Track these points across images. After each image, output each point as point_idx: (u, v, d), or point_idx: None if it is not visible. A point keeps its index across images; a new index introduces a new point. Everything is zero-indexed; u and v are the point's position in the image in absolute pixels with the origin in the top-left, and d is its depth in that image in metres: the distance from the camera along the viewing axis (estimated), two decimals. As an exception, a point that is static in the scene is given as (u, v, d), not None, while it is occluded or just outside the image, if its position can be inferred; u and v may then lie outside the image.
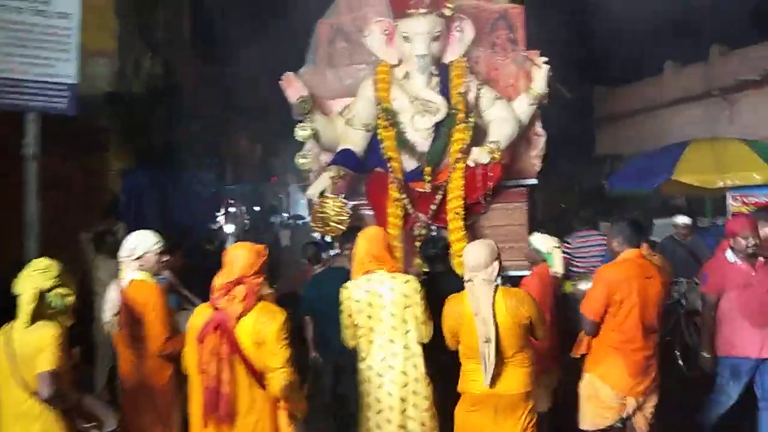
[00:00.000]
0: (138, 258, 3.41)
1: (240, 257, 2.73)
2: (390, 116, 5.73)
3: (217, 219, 10.13)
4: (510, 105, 6.01)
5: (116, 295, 3.29)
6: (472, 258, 3.20)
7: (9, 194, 4.67)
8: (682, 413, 4.87)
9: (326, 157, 6.19)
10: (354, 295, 3.35)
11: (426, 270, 4.35)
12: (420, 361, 3.34)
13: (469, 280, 3.17)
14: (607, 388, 3.42)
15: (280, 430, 2.71)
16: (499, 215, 6.01)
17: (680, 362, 5.80)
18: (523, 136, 6.29)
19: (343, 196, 5.67)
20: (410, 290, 3.34)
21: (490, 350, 3.00)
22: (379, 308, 3.30)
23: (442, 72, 5.90)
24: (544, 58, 5.96)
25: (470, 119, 5.79)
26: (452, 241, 5.53)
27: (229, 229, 10.42)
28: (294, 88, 5.87)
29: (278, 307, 2.76)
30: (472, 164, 5.56)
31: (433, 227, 5.78)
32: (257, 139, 5.90)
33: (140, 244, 3.45)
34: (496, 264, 3.22)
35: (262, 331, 2.67)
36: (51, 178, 7.56)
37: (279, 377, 2.63)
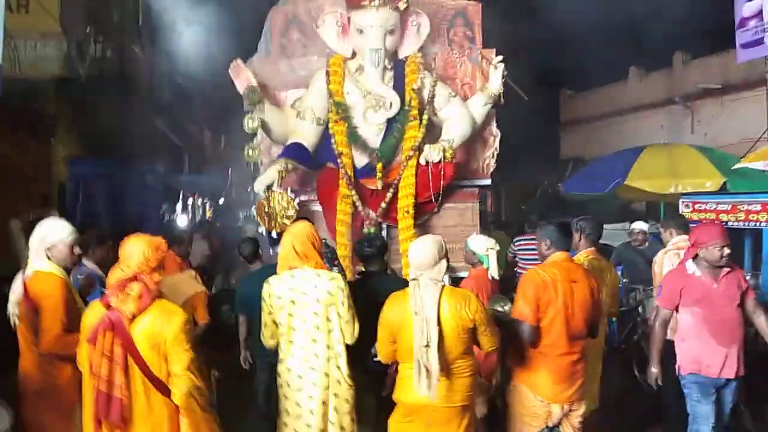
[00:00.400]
0: (48, 248, 3.19)
1: (136, 251, 2.53)
2: (342, 110, 5.57)
3: (174, 211, 9.85)
4: (465, 103, 5.90)
5: (19, 286, 3.07)
6: (418, 255, 3.04)
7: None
8: (636, 423, 4.85)
9: (277, 150, 6.00)
10: (275, 291, 3.17)
11: (362, 269, 4.21)
12: (343, 363, 3.18)
13: (414, 279, 3.01)
14: (532, 395, 3.29)
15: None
16: (451, 215, 5.92)
17: (636, 372, 5.77)
18: (477, 136, 6.20)
19: (290, 190, 5.48)
20: (334, 288, 3.18)
21: (430, 356, 2.84)
22: (302, 306, 3.14)
23: (396, 67, 5.77)
24: (500, 57, 5.87)
25: (424, 116, 5.67)
26: (401, 240, 5.42)
27: (183, 222, 10.13)
28: (242, 77, 5.66)
29: (177, 307, 2.57)
30: (423, 162, 5.44)
31: (383, 225, 5.68)
32: (218, 129, 5.65)
33: (51, 234, 3.22)
34: (443, 263, 3.06)
35: (160, 332, 2.48)
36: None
37: (179, 384, 2.46)
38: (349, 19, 5.66)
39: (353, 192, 5.46)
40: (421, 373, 2.85)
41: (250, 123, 5.71)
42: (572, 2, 11.99)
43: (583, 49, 12.83)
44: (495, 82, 5.86)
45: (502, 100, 5.96)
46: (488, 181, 6.35)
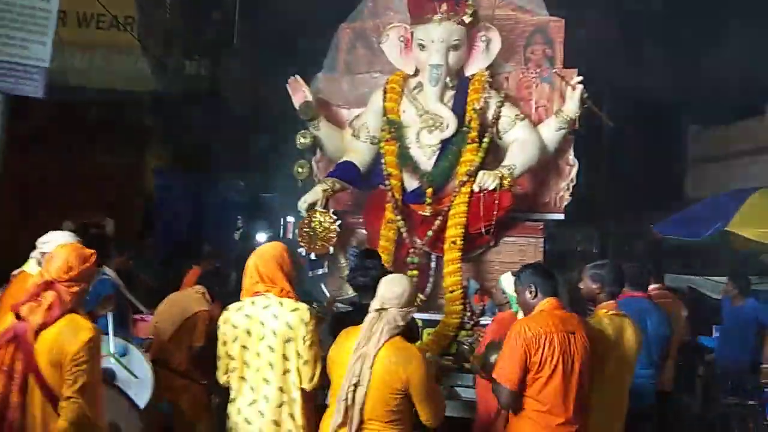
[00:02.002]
0: (44, 253, 3.14)
1: (58, 257, 2.33)
2: (394, 129, 5.21)
3: (248, 226, 10.00)
4: (534, 127, 5.30)
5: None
6: (391, 288, 2.74)
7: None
8: None
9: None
10: (232, 319, 2.83)
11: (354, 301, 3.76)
12: (298, 411, 2.74)
13: (379, 309, 2.67)
14: None
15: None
16: (510, 251, 5.33)
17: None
18: (551, 165, 5.56)
19: (332, 211, 5.19)
20: (296, 321, 2.77)
21: (357, 396, 2.50)
22: (257, 339, 2.76)
23: (460, 85, 5.32)
24: (579, 78, 5.22)
25: (484, 139, 5.16)
26: (445, 274, 4.92)
27: (261, 238, 10.24)
28: (299, 92, 5.51)
29: (89, 323, 2.31)
30: (477, 189, 4.91)
31: (432, 256, 5.20)
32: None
33: (51, 242, 3.18)
34: (412, 308, 2.76)
35: (62, 348, 2.24)
36: (88, 171, 7.78)
37: (67, 409, 2.18)
38: (412, 34, 5.32)
39: (398, 217, 5.05)
40: (340, 415, 2.50)
41: (302, 139, 5.55)
42: (700, 31, 10.82)
43: (712, 81, 11.51)
44: (571, 105, 5.21)
45: (577, 125, 5.30)
46: (560, 216, 5.65)
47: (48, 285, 2.29)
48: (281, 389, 2.74)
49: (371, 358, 2.53)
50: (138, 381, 3.39)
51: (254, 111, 9.62)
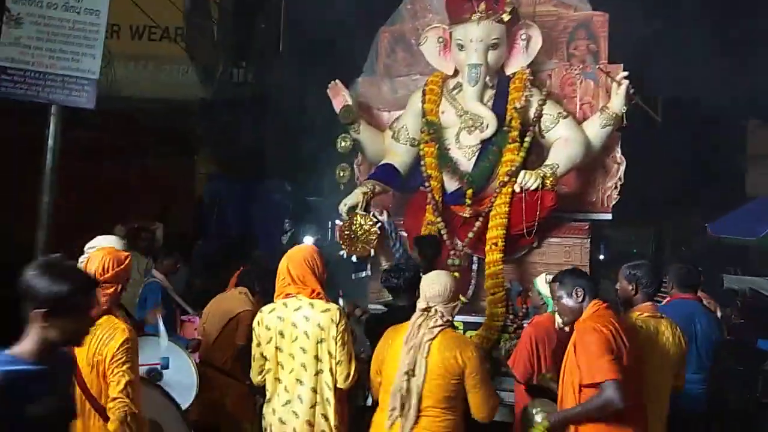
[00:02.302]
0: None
1: (95, 259, 2.41)
2: (433, 130, 5.19)
3: (295, 229, 10.12)
4: (578, 125, 5.17)
5: None
6: (432, 287, 2.78)
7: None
8: None
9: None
10: (265, 320, 2.83)
11: (388, 302, 3.73)
12: (331, 411, 2.74)
13: (425, 309, 2.72)
14: None
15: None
16: (555, 252, 5.22)
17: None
18: (597, 163, 5.41)
19: (372, 213, 5.20)
20: (326, 321, 2.78)
21: (412, 385, 2.56)
22: (290, 340, 2.78)
23: (500, 84, 5.25)
24: (624, 73, 5.06)
25: (526, 138, 5.07)
26: (487, 276, 4.85)
27: (308, 241, 10.36)
28: (339, 97, 5.56)
29: (125, 324, 2.37)
30: (518, 189, 4.82)
31: (473, 258, 5.14)
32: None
33: (97, 246, 3.31)
34: (457, 302, 2.82)
35: (100, 350, 2.30)
36: (141, 178, 8.07)
37: (114, 410, 2.24)
38: (451, 34, 5.28)
39: (439, 219, 5.02)
40: (396, 405, 2.53)
41: (342, 143, 5.61)
42: (758, 22, 10.29)
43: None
44: (617, 102, 5.06)
45: (625, 121, 5.13)
46: (608, 216, 5.48)
47: None
48: (314, 390, 2.76)
49: (426, 348, 2.58)
50: (183, 385, 3.47)
51: (300, 116, 9.75)
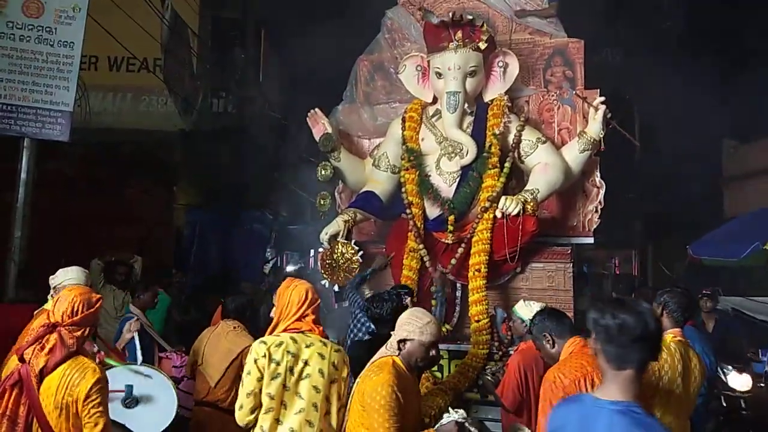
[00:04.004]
0: (54, 288, 3.18)
1: (64, 300, 2.31)
2: (414, 157, 5.18)
3: (277, 258, 10.04)
4: (557, 150, 5.20)
5: None
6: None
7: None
8: None
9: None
10: (273, 354, 2.63)
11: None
12: None
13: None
14: None
15: None
16: (538, 277, 5.17)
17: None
18: (577, 188, 5.43)
19: (354, 242, 5.15)
20: (340, 361, 2.70)
21: None
22: (299, 378, 2.64)
23: (479, 111, 5.27)
24: (601, 98, 5.11)
25: (506, 164, 5.08)
26: (471, 303, 4.79)
27: (290, 269, 10.28)
28: (318, 125, 5.54)
29: (93, 364, 2.27)
30: (499, 215, 4.81)
31: (457, 285, 5.09)
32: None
33: (59, 276, 3.23)
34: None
35: (69, 392, 2.20)
36: (119, 209, 7.94)
37: None
38: (429, 63, 5.32)
39: (421, 246, 4.97)
40: None
41: (322, 171, 5.57)
42: (731, 42, 10.56)
43: (745, 94, 11.18)
44: (595, 126, 5.10)
45: (603, 146, 5.17)
46: (590, 240, 5.49)
47: (52, 328, 2.28)
48: (321, 431, 2.64)
49: None
50: (162, 399, 3.36)
51: (280, 145, 9.75)
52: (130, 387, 3.21)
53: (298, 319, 2.74)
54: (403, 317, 2.62)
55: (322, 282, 5.24)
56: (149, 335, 4.26)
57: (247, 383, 2.63)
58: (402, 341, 2.55)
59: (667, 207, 12.83)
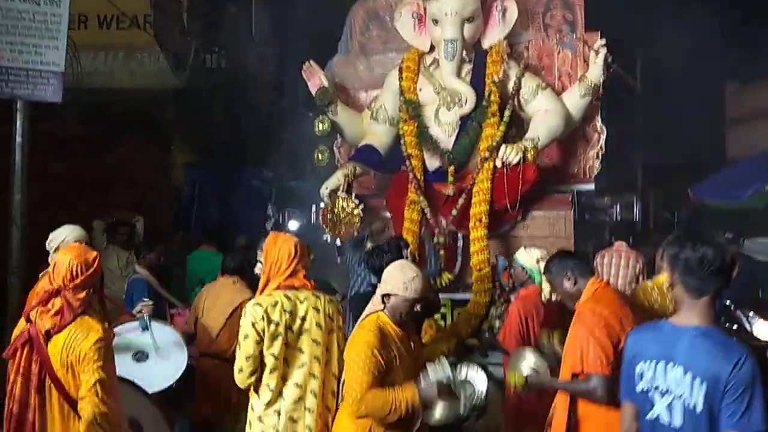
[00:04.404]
0: (55, 250, 3.18)
1: (63, 264, 2.31)
2: (412, 108, 5.11)
3: (278, 215, 10.05)
4: (557, 96, 5.13)
5: None
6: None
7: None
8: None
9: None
10: (271, 315, 2.58)
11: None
12: (333, 403, 2.69)
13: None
14: None
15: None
16: (540, 225, 5.19)
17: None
18: (578, 134, 5.38)
19: (354, 195, 5.14)
20: (334, 311, 2.72)
21: None
22: (299, 333, 2.65)
23: (477, 58, 5.18)
24: (602, 41, 5.00)
25: (506, 112, 5.02)
26: (472, 253, 4.82)
27: (293, 226, 10.30)
28: (314, 78, 5.45)
29: (99, 324, 2.30)
30: (500, 164, 4.78)
31: (458, 235, 5.11)
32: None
33: (57, 237, 3.23)
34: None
35: (73, 350, 2.24)
36: (117, 170, 7.91)
37: (83, 408, 2.18)
38: (425, 9, 5.18)
39: (422, 198, 4.96)
40: None
41: (320, 125, 5.51)
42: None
43: (750, 34, 10.92)
44: (595, 71, 5.02)
45: (601, 91, 5.10)
46: (591, 186, 5.49)
47: (56, 292, 2.30)
48: (324, 382, 2.68)
49: None
50: (172, 347, 3.45)
51: (276, 99, 9.61)
52: (143, 320, 3.28)
53: (290, 276, 2.70)
54: (388, 271, 2.61)
55: (324, 237, 5.25)
56: (159, 294, 4.31)
57: (246, 347, 2.60)
58: (386, 296, 2.55)
59: (670, 151, 12.73)
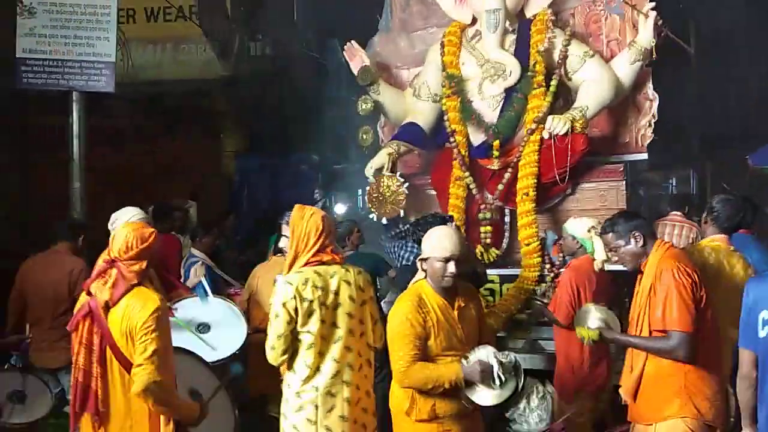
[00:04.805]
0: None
1: (120, 237, 2.39)
2: (455, 83, 5.04)
3: (327, 199, 10.14)
4: (606, 64, 4.95)
5: None
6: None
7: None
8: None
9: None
10: (303, 294, 2.56)
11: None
12: (371, 372, 2.71)
13: None
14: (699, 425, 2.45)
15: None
16: (590, 197, 5.06)
17: None
18: (629, 102, 5.19)
19: (399, 174, 5.13)
20: (365, 283, 2.70)
21: None
22: (333, 308, 2.63)
23: (522, 28, 5.06)
24: (652, 4, 4.80)
25: (552, 82, 4.89)
26: (520, 227, 4.75)
27: (340, 210, 10.37)
28: (356, 58, 5.45)
29: (155, 295, 2.37)
30: (547, 136, 4.67)
31: (506, 210, 5.04)
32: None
33: (120, 217, 3.34)
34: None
35: (131, 319, 2.32)
36: (170, 159, 8.18)
37: (139, 376, 2.25)
38: (466, -20, 5.09)
39: (467, 174, 4.91)
40: None
41: (363, 105, 5.52)
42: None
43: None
44: (645, 35, 4.82)
45: (655, 55, 4.89)
46: (644, 156, 5.28)
47: (112, 263, 2.38)
48: (359, 353, 2.65)
49: None
50: (232, 319, 3.54)
51: (320, 83, 9.66)
52: (200, 286, 3.37)
53: (318, 251, 2.64)
54: (425, 237, 2.64)
55: (371, 216, 5.28)
56: (217, 276, 4.44)
57: (277, 326, 2.58)
58: (422, 260, 2.60)
59: (726, 119, 12.13)
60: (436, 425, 2.58)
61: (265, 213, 8.11)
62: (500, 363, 2.50)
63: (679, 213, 5.16)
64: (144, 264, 2.39)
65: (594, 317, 2.78)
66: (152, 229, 2.48)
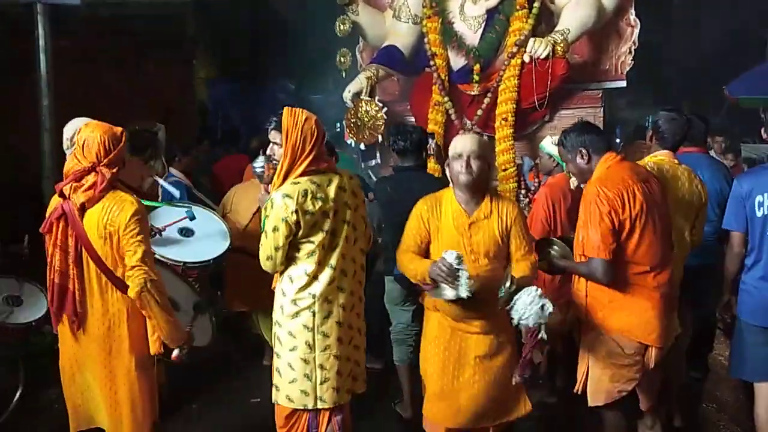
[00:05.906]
0: (70, 139, 3.17)
1: (93, 141, 2.32)
2: (435, 3, 4.91)
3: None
4: (589, -14, 4.85)
5: None
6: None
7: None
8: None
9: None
10: (305, 206, 2.45)
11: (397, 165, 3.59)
12: (363, 277, 2.71)
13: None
14: (626, 341, 2.56)
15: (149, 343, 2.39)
16: (568, 124, 4.95)
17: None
18: (610, 28, 5.13)
19: (377, 99, 5.06)
20: (357, 187, 2.66)
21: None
22: (333, 217, 2.55)
23: (505, -53, 4.89)
24: None
25: (534, 4, 4.79)
26: (497, 152, 4.75)
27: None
28: (334, -24, 5.23)
29: (131, 197, 2.35)
30: (527, 59, 4.62)
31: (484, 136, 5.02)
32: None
33: (71, 128, 3.18)
34: None
35: (110, 222, 2.30)
36: (140, 84, 7.88)
37: (135, 277, 2.26)
38: None
39: (446, 98, 4.86)
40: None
41: (341, 26, 5.35)
42: None
43: None
44: (631, -43, 4.71)
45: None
46: (622, 83, 5.27)
47: (90, 168, 2.32)
48: (353, 259, 2.63)
49: None
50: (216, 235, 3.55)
51: (296, 7, 9.31)
52: (190, 210, 3.34)
53: (315, 158, 2.51)
54: None
55: (348, 141, 5.23)
56: (196, 197, 4.37)
57: (276, 238, 2.49)
58: (447, 166, 2.69)
59: (706, 48, 12.08)
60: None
61: (238, 140, 7.98)
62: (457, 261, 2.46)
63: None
64: (120, 166, 2.36)
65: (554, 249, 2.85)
66: (121, 128, 2.42)
